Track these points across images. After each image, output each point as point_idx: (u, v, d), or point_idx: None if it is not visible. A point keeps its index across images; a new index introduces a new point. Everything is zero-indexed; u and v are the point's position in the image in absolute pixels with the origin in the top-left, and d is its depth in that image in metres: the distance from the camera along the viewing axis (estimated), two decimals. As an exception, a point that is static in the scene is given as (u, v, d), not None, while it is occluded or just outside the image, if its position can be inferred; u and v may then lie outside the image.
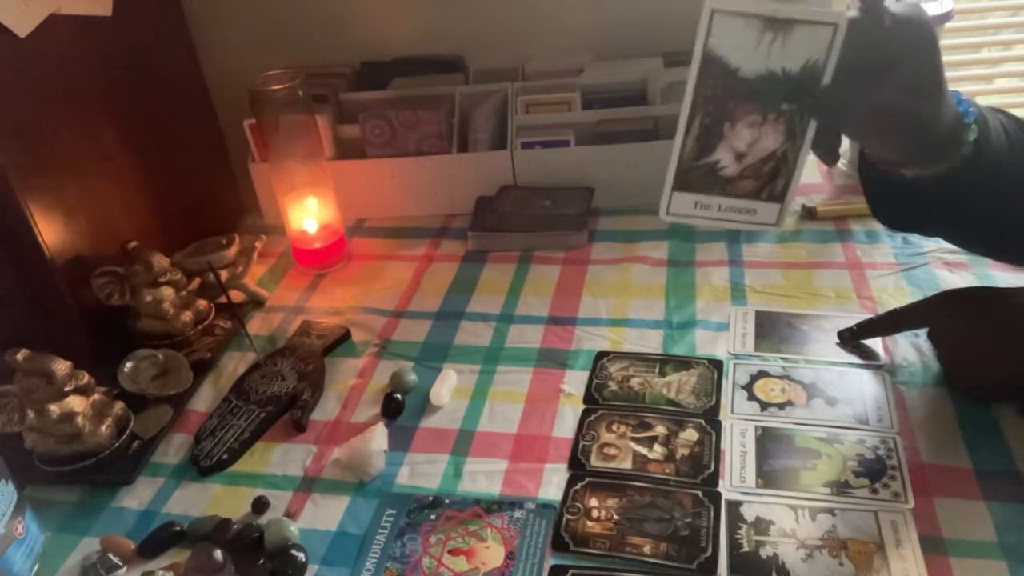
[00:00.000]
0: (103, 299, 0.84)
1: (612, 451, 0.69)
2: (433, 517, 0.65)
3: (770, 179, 0.57)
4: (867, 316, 0.78)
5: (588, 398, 0.76)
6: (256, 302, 0.96)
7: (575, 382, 0.78)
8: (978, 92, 1.22)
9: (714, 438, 0.69)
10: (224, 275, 0.92)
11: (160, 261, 0.86)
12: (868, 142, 0.60)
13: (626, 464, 0.68)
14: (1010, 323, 0.67)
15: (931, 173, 0.58)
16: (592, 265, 0.96)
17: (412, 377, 0.80)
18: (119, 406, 0.76)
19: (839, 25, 0.52)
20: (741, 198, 0.59)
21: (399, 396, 0.77)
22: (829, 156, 0.57)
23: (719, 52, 0.55)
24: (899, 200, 0.63)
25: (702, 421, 0.71)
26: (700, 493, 0.64)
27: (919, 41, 0.53)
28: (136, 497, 0.71)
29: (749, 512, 0.62)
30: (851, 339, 0.77)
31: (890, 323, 0.75)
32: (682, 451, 0.68)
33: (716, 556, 0.59)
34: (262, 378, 0.82)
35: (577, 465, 0.68)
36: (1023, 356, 0.65)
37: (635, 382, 0.76)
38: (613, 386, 0.76)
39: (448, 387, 0.78)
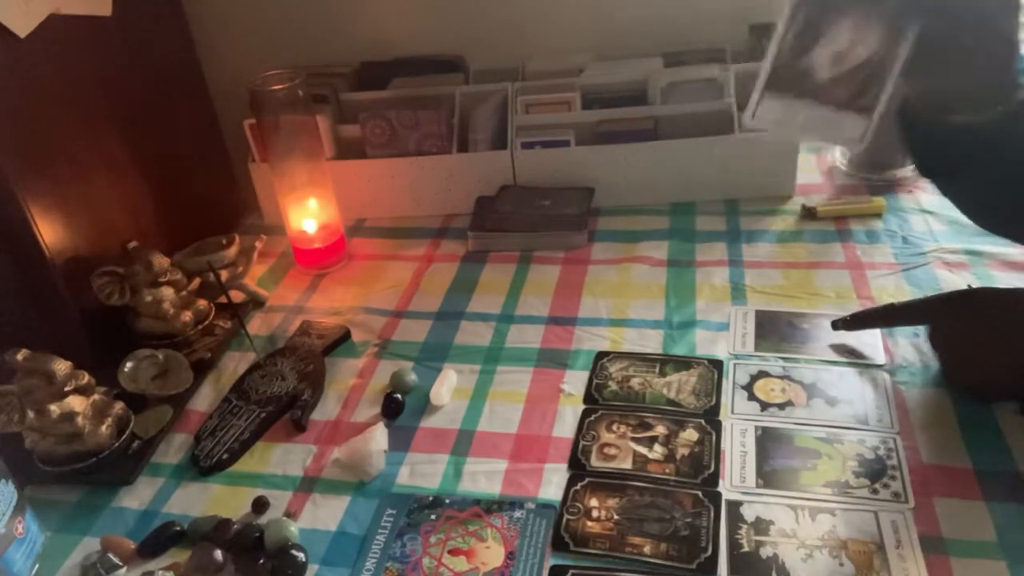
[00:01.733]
0: (103, 299, 0.84)
1: (612, 451, 0.69)
2: (433, 517, 0.65)
3: (863, 89, 0.56)
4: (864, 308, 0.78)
5: (588, 398, 0.76)
6: (256, 302, 0.96)
7: (575, 382, 0.78)
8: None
9: (714, 438, 0.69)
10: (224, 275, 0.92)
11: (160, 261, 0.86)
12: (951, 64, 0.57)
13: (626, 464, 0.68)
14: (1010, 324, 0.67)
15: (982, 120, 0.57)
16: (592, 265, 0.96)
17: (412, 377, 0.80)
18: (119, 406, 0.76)
19: None
20: (831, 107, 0.57)
21: (399, 396, 0.77)
22: (917, 77, 0.56)
23: None
24: (936, 145, 0.63)
25: (702, 421, 0.71)
26: (700, 493, 0.64)
27: None
28: (136, 497, 0.71)
29: (749, 512, 0.62)
30: (843, 328, 0.77)
31: (885, 315, 0.75)
32: (682, 451, 0.68)
33: (716, 556, 0.59)
34: (262, 378, 0.82)
35: (577, 465, 0.68)
36: (1023, 356, 0.65)
37: (635, 382, 0.76)
38: (613, 386, 0.76)
39: (448, 387, 0.78)
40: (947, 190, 0.70)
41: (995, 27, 0.54)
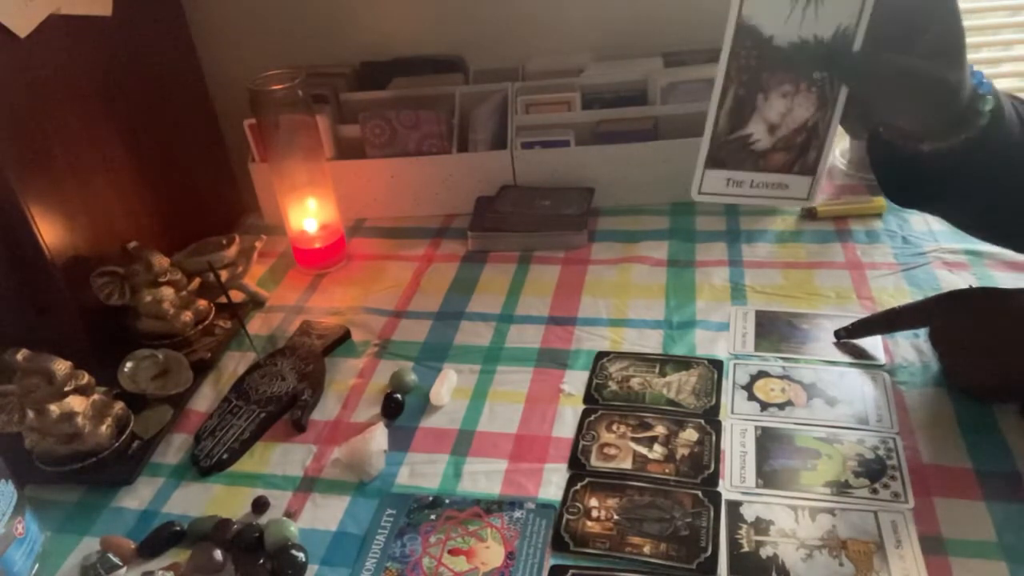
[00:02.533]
0: (103, 299, 0.84)
1: (612, 451, 0.69)
2: (433, 517, 0.65)
3: (802, 151, 0.58)
4: (865, 315, 0.78)
5: (588, 398, 0.76)
6: (256, 302, 0.96)
7: (575, 382, 0.78)
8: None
9: (714, 438, 0.69)
10: (224, 275, 0.92)
11: (160, 261, 0.86)
12: (893, 111, 0.59)
13: (626, 464, 0.68)
14: (1010, 324, 0.67)
15: (948, 145, 0.58)
16: (592, 265, 0.96)
17: (412, 377, 0.80)
18: (119, 406, 0.76)
19: None
20: (773, 172, 0.59)
21: (399, 396, 0.77)
22: (857, 127, 0.58)
23: (753, 21, 0.55)
24: (910, 177, 0.63)
25: (702, 421, 0.71)
26: (700, 493, 0.64)
27: (944, 5, 0.54)
28: (136, 497, 0.71)
29: (749, 512, 0.62)
30: (847, 337, 0.77)
31: (886, 322, 0.75)
32: (682, 451, 0.68)
33: (716, 556, 0.59)
34: (262, 378, 0.82)
35: (577, 465, 0.68)
36: (1023, 357, 0.65)
37: (635, 382, 0.76)
38: (613, 386, 0.76)
39: (448, 387, 0.78)
40: (928, 213, 0.70)
41: (925, 77, 0.55)
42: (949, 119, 0.56)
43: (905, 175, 0.63)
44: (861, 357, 0.76)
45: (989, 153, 0.57)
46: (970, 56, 0.55)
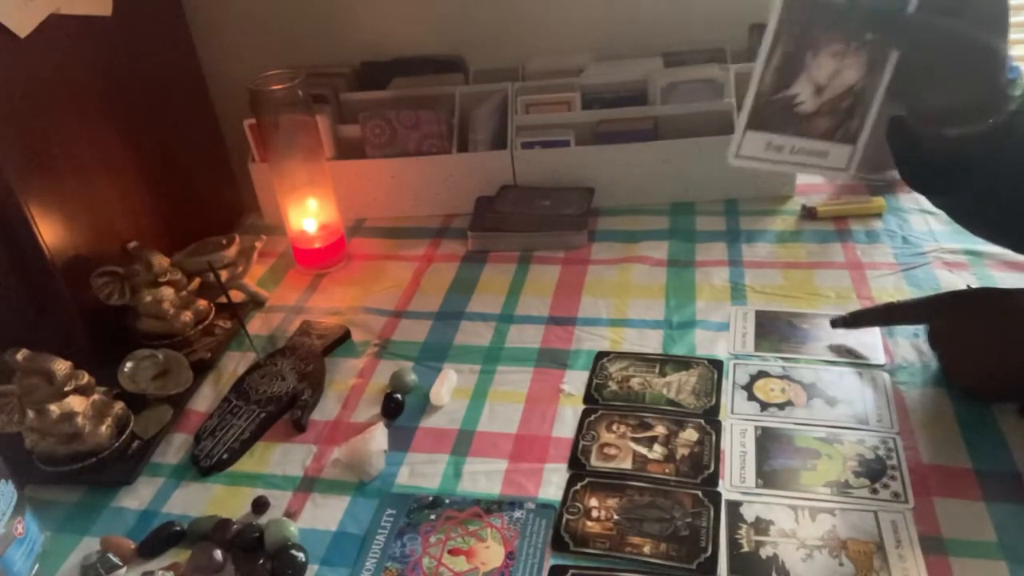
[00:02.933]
0: (103, 299, 0.84)
1: (612, 451, 0.69)
2: (433, 517, 0.65)
3: (846, 117, 0.56)
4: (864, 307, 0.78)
5: (588, 398, 0.76)
6: (256, 302, 0.96)
7: (575, 382, 0.78)
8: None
9: (714, 438, 0.69)
10: (224, 275, 0.92)
11: (160, 261, 0.86)
12: (939, 79, 0.57)
13: (626, 464, 0.68)
14: (1010, 324, 0.67)
15: (975, 131, 0.57)
16: (592, 265, 0.96)
17: (412, 377, 0.80)
18: (119, 406, 0.76)
19: None
20: (815, 138, 0.57)
21: (399, 396, 0.77)
22: (903, 97, 0.56)
23: None
24: (928, 162, 0.63)
25: (702, 421, 0.71)
26: (700, 493, 0.64)
27: None
28: (136, 497, 0.71)
29: (749, 512, 0.62)
30: (843, 326, 0.77)
31: (884, 315, 0.75)
32: (682, 451, 0.68)
33: (716, 556, 0.59)
34: (262, 378, 0.82)
35: (577, 465, 0.68)
36: (1022, 357, 0.65)
37: (635, 382, 0.76)
38: (613, 386, 0.76)
39: (448, 387, 0.78)
40: (943, 205, 0.70)
41: (976, 44, 0.54)
42: (986, 96, 0.56)
43: (922, 161, 0.63)
44: (861, 357, 0.76)
45: (1011, 141, 0.57)
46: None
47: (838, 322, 0.77)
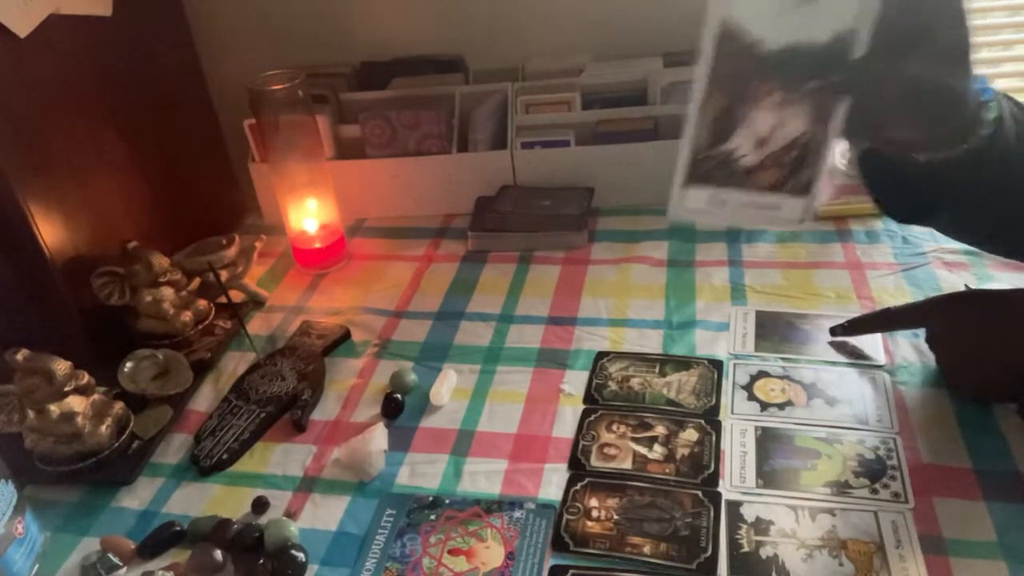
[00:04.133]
0: (103, 299, 0.84)
1: (612, 451, 0.69)
2: (433, 517, 0.65)
3: (795, 169, 0.51)
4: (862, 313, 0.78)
5: (588, 398, 0.76)
6: (256, 302, 0.96)
7: (575, 382, 0.78)
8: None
9: (714, 438, 0.69)
10: (224, 275, 0.92)
11: (160, 261, 0.86)
12: (896, 122, 0.53)
13: (626, 464, 0.68)
14: (1009, 325, 0.66)
15: (947, 156, 0.54)
16: (592, 265, 0.96)
17: (412, 377, 0.80)
18: (119, 406, 0.76)
19: None
20: (762, 191, 0.52)
21: (399, 396, 0.77)
22: (858, 140, 0.53)
23: (738, 22, 0.49)
24: (904, 190, 0.60)
25: (702, 421, 0.71)
26: (700, 493, 0.64)
27: (950, 7, 0.49)
28: (136, 497, 0.71)
29: (749, 512, 0.62)
30: (842, 335, 0.77)
31: (882, 321, 0.75)
32: (682, 451, 0.68)
33: (716, 556, 0.59)
34: (262, 378, 0.82)
35: (577, 465, 0.68)
36: (1023, 359, 0.65)
37: (635, 382, 0.76)
38: (613, 386, 0.76)
39: (448, 387, 0.78)
40: (930, 227, 0.67)
41: (936, 86, 0.50)
42: (953, 129, 0.53)
43: (899, 188, 0.61)
44: (861, 357, 0.76)
45: (988, 163, 0.54)
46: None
47: (837, 330, 0.77)
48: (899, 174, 0.59)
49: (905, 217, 0.64)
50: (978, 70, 0.52)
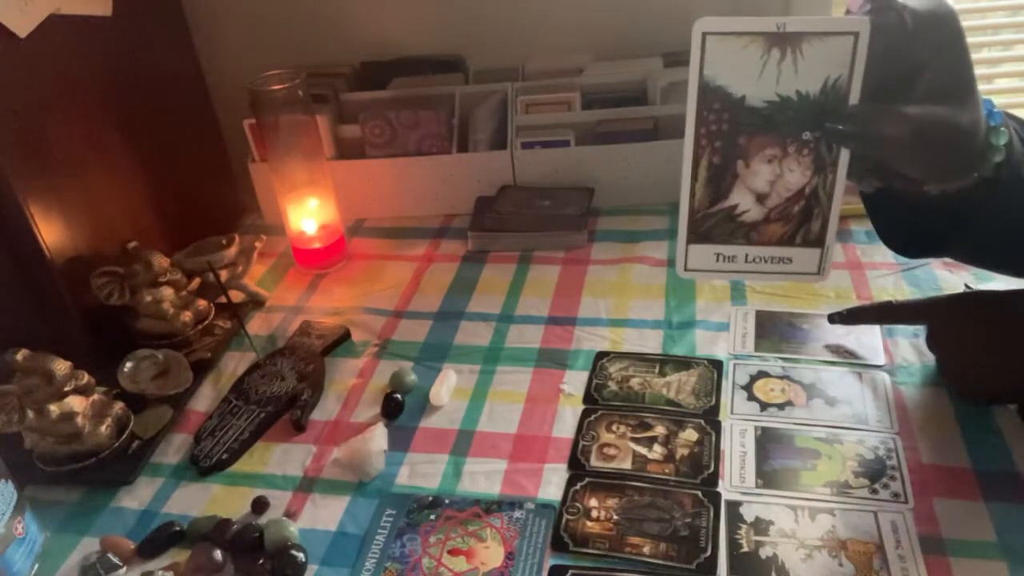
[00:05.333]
0: (103, 299, 0.84)
1: (612, 451, 0.69)
2: (433, 517, 0.65)
3: (803, 221, 0.50)
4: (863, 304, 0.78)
5: (588, 398, 0.75)
6: (256, 302, 0.96)
7: (575, 382, 0.78)
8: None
9: (714, 438, 0.69)
10: (224, 275, 0.92)
11: (160, 261, 0.86)
12: (903, 164, 0.51)
13: (626, 464, 0.68)
14: (1008, 325, 0.66)
15: (959, 187, 0.52)
16: (592, 265, 0.96)
17: (412, 377, 0.80)
18: (119, 406, 0.76)
19: (860, 33, 0.45)
20: (771, 245, 0.51)
21: (399, 396, 0.77)
22: (867, 183, 0.51)
23: (719, 81, 0.47)
24: (914, 225, 0.59)
25: (702, 421, 0.71)
26: (700, 493, 0.64)
27: (947, 34, 0.46)
28: (136, 497, 0.71)
29: (749, 512, 0.62)
30: (840, 322, 0.76)
31: (882, 312, 0.75)
32: (682, 451, 0.68)
33: (716, 556, 0.59)
34: (262, 378, 0.82)
35: (577, 465, 0.68)
36: (1021, 358, 0.65)
37: (635, 382, 0.76)
38: (613, 386, 0.76)
39: (448, 387, 0.78)
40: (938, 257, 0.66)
41: (936, 126, 0.47)
42: (965, 161, 0.50)
43: (908, 223, 0.59)
44: (861, 358, 0.76)
45: (1001, 188, 0.52)
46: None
47: (836, 318, 0.77)
48: (909, 209, 0.57)
49: (918, 252, 0.64)
50: (984, 95, 0.50)
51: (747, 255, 0.52)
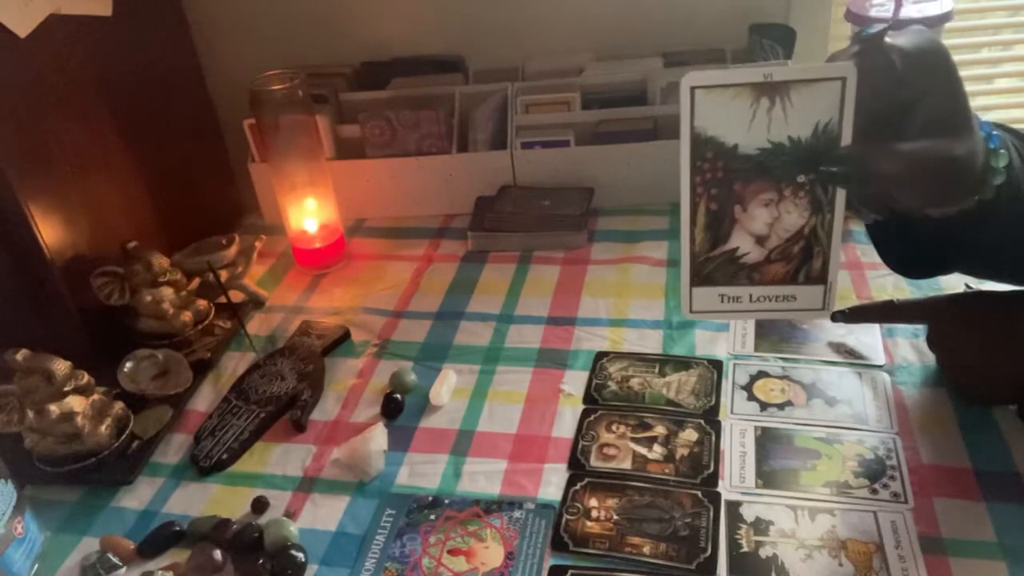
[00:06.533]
0: (103, 299, 0.84)
1: (612, 451, 0.69)
2: (433, 517, 0.65)
3: (804, 259, 0.51)
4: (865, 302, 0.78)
5: (588, 398, 0.76)
6: (256, 302, 0.96)
7: (575, 382, 0.78)
8: (978, 92, 1.22)
9: (714, 438, 0.69)
10: (224, 275, 0.92)
11: (160, 261, 0.86)
12: (903, 196, 0.50)
13: (626, 464, 0.68)
14: (1009, 326, 0.66)
15: (960, 209, 0.51)
16: (592, 265, 0.96)
17: (412, 377, 0.80)
18: (119, 406, 0.76)
19: (848, 78, 0.46)
20: (774, 284, 0.52)
21: (399, 396, 0.77)
22: (868, 215, 0.51)
23: (710, 132, 0.48)
24: (918, 246, 0.59)
25: (702, 421, 0.71)
26: (700, 493, 0.64)
27: (937, 72, 0.47)
28: (136, 497, 0.71)
29: (749, 512, 0.62)
30: (842, 320, 0.76)
31: (884, 311, 0.75)
32: (682, 451, 0.68)
33: (715, 556, 0.59)
34: (262, 378, 0.82)
35: (577, 465, 0.68)
36: (1022, 360, 0.65)
37: (635, 382, 0.76)
38: (613, 386, 0.76)
39: (448, 387, 0.78)
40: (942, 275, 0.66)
41: (930, 160, 0.47)
42: (963, 190, 0.50)
43: (913, 246, 0.59)
44: (861, 358, 0.76)
45: (1002, 207, 0.52)
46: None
47: (838, 316, 0.77)
48: (910, 232, 0.58)
49: (920, 274, 0.64)
50: (981, 116, 0.50)
51: (751, 295, 0.53)
